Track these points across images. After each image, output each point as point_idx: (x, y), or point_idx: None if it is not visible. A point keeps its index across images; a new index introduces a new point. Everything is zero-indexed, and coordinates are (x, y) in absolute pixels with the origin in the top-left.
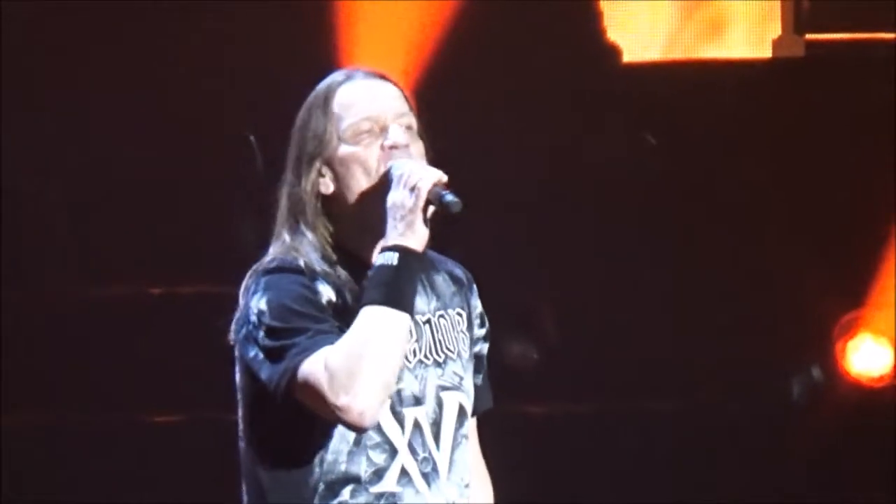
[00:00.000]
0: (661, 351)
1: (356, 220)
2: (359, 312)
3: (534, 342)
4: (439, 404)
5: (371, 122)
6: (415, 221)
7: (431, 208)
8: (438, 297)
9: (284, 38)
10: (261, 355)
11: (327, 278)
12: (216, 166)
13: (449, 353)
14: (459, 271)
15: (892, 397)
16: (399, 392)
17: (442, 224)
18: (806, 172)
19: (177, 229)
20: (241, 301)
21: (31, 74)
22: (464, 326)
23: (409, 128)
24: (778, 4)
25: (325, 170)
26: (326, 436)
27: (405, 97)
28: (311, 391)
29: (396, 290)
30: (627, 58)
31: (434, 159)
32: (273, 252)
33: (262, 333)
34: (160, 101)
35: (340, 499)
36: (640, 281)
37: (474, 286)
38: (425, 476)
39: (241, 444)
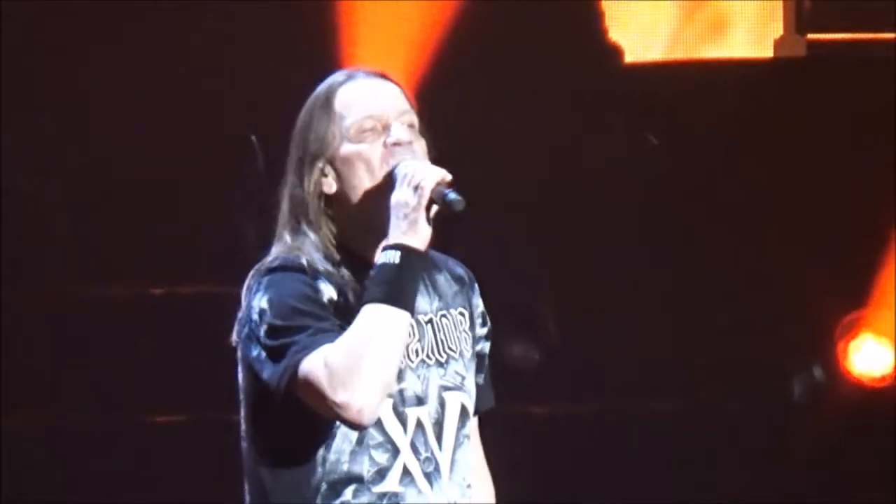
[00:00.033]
0: (663, 351)
1: (359, 219)
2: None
3: (535, 342)
4: (441, 404)
5: (374, 120)
6: (418, 220)
7: (435, 207)
8: (441, 297)
9: (285, 38)
10: (263, 354)
11: (329, 277)
12: (216, 166)
13: (451, 353)
14: (461, 270)
15: (894, 398)
16: (401, 392)
17: (443, 224)
18: (807, 172)
19: (177, 229)
20: (244, 301)
21: (31, 74)
22: (466, 326)
23: (411, 126)
24: (779, 4)
25: (327, 169)
26: (329, 435)
27: (406, 96)
28: (311, 388)
29: (398, 288)
30: (629, 58)
31: (435, 159)
32: (275, 252)
33: (263, 332)
34: (160, 101)
35: (343, 499)
36: (641, 281)
37: (476, 285)
38: (427, 476)
39: (244, 444)
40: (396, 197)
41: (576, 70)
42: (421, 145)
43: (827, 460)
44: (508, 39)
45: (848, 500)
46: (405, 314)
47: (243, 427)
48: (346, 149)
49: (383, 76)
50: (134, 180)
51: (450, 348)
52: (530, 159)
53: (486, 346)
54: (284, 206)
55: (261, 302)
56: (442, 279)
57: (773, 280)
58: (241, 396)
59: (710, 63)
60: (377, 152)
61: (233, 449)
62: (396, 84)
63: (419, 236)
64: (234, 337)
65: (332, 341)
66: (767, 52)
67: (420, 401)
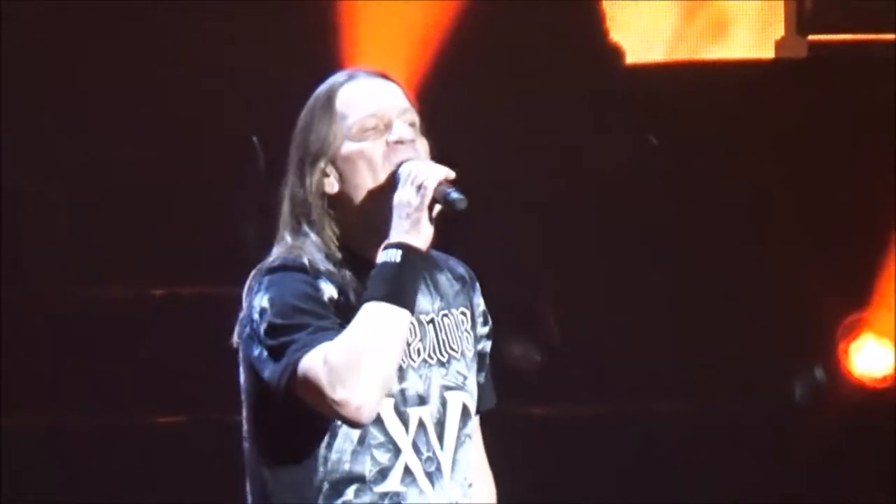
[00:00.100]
0: (665, 352)
1: (361, 218)
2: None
3: (536, 343)
4: (443, 404)
5: (376, 118)
6: (420, 220)
7: (438, 207)
8: (442, 297)
9: (285, 39)
10: (264, 354)
11: (331, 277)
12: (216, 166)
13: (453, 353)
14: (462, 269)
15: (895, 398)
16: (403, 392)
17: (445, 224)
18: (809, 173)
19: (177, 230)
20: (245, 302)
21: (31, 74)
22: (468, 325)
23: (412, 125)
24: (781, 5)
25: (329, 169)
26: (330, 435)
27: (407, 96)
28: (311, 386)
29: (398, 286)
30: (630, 59)
31: (437, 159)
32: (276, 253)
33: (264, 331)
34: (160, 101)
35: (344, 498)
36: (643, 282)
37: (477, 284)
38: (429, 476)
39: (246, 445)
40: (399, 196)
41: (577, 71)
42: (423, 144)
43: (828, 461)
44: (510, 40)
45: (849, 501)
46: (405, 312)
47: (245, 427)
48: (348, 148)
49: (384, 76)
50: (134, 180)
51: (451, 348)
52: (531, 160)
53: (487, 346)
54: (285, 206)
55: (262, 301)
56: (443, 279)
57: (775, 281)
58: (243, 397)
59: (712, 64)
60: (379, 150)
61: (233, 449)
62: (397, 84)
63: (421, 236)
64: (236, 338)
65: (332, 339)
66: (768, 53)
67: (422, 400)
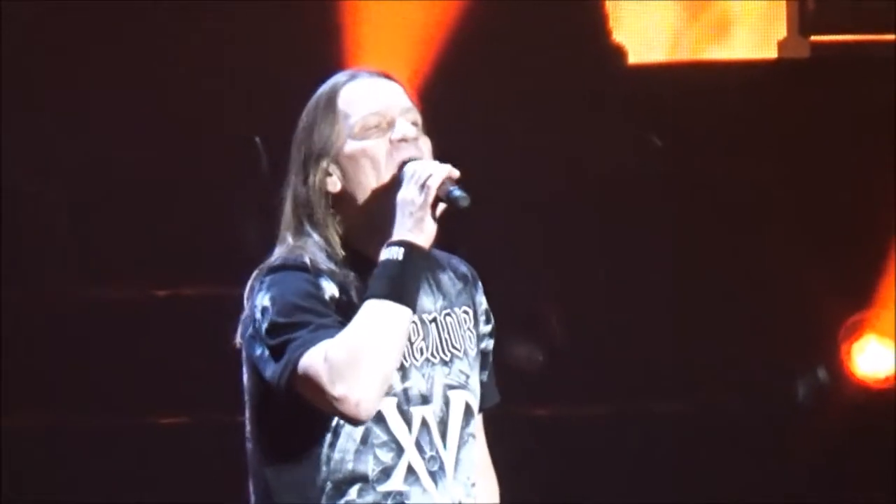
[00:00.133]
0: (666, 352)
1: (364, 217)
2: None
3: (539, 344)
4: (446, 403)
5: (378, 117)
6: (424, 218)
7: (441, 205)
8: (445, 296)
9: (286, 38)
10: (266, 353)
11: (332, 276)
12: (217, 166)
13: (455, 352)
14: (464, 268)
15: None
16: (406, 391)
17: (447, 223)
18: (811, 173)
19: (177, 230)
20: (246, 302)
21: (31, 74)
22: (470, 324)
23: (415, 123)
24: (783, 5)
25: (332, 168)
26: (333, 435)
27: (409, 95)
28: (311, 383)
29: (400, 284)
30: (633, 59)
31: (438, 159)
32: (277, 253)
33: (265, 329)
34: (160, 101)
35: (347, 498)
36: (645, 282)
37: (479, 283)
38: (432, 475)
39: (249, 445)
40: (402, 194)
41: (579, 71)
42: (426, 142)
43: (829, 461)
44: (512, 40)
45: (850, 501)
46: (407, 310)
47: (248, 428)
48: (351, 146)
49: (386, 76)
50: (134, 180)
51: (454, 347)
52: (533, 160)
53: (490, 344)
54: (287, 206)
55: (263, 300)
56: (446, 278)
57: (777, 281)
58: (246, 397)
59: (714, 64)
60: (382, 149)
61: (235, 450)
62: (399, 83)
63: (424, 234)
64: (238, 338)
65: (333, 337)
66: (771, 54)
67: (425, 399)
